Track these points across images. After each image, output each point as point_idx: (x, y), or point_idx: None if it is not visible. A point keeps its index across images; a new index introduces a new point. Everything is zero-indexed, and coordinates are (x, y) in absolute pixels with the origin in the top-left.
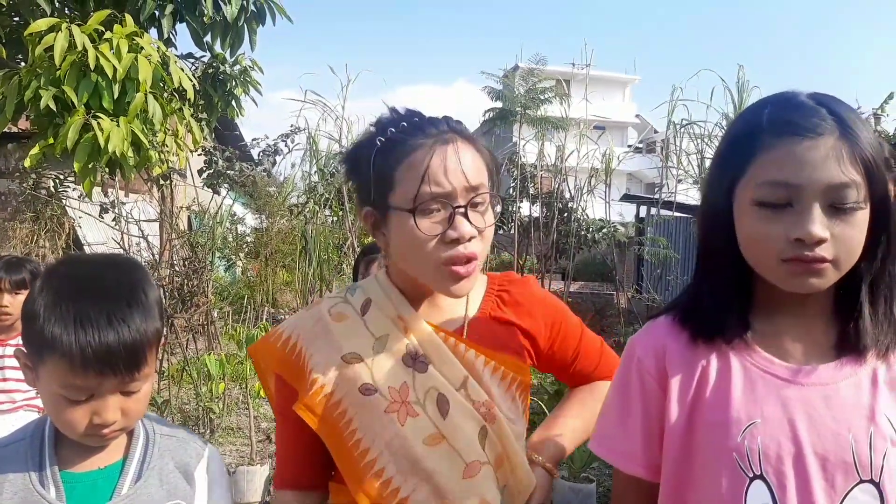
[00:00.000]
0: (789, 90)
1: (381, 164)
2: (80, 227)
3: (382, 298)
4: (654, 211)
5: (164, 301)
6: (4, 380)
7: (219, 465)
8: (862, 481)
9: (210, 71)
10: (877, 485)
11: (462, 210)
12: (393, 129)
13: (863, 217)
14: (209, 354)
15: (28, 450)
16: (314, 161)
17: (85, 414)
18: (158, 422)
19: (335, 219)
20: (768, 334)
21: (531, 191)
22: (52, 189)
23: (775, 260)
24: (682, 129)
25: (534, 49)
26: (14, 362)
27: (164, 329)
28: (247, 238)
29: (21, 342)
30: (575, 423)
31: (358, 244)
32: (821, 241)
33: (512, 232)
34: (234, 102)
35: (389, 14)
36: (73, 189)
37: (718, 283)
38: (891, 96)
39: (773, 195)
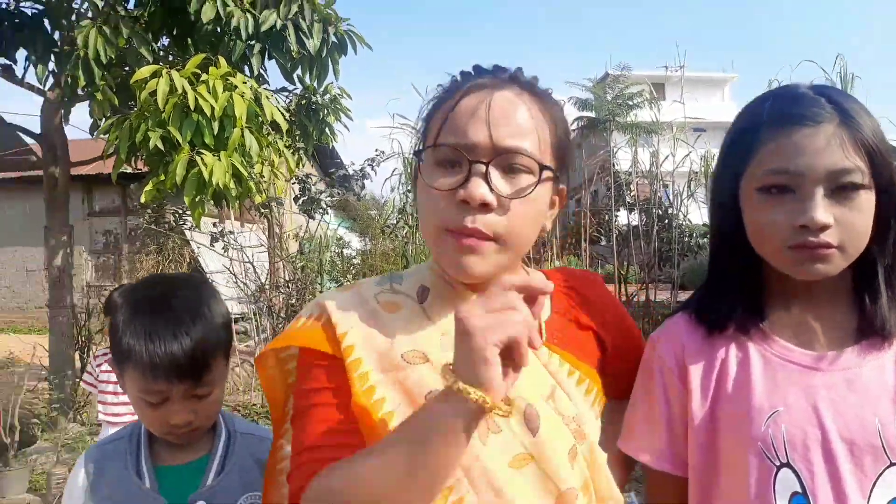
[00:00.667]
0: (792, 83)
1: (426, 115)
2: (201, 255)
3: (441, 286)
4: None
5: (230, 315)
6: (126, 393)
7: None
8: (892, 464)
9: (303, 102)
10: None
11: (482, 168)
12: (457, 78)
13: (868, 201)
14: None
15: (127, 447)
16: (407, 182)
17: (162, 415)
18: (239, 421)
19: None
20: (786, 323)
21: (627, 199)
22: (171, 222)
23: (781, 247)
24: None
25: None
26: None
27: (232, 339)
28: (353, 260)
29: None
30: None
31: None
32: (825, 227)
33: (610, 242)
34: (327, 130)
35: (472, 31)
36: (189, 222)
37: (728, 275)
38: None
39: (774, 182)
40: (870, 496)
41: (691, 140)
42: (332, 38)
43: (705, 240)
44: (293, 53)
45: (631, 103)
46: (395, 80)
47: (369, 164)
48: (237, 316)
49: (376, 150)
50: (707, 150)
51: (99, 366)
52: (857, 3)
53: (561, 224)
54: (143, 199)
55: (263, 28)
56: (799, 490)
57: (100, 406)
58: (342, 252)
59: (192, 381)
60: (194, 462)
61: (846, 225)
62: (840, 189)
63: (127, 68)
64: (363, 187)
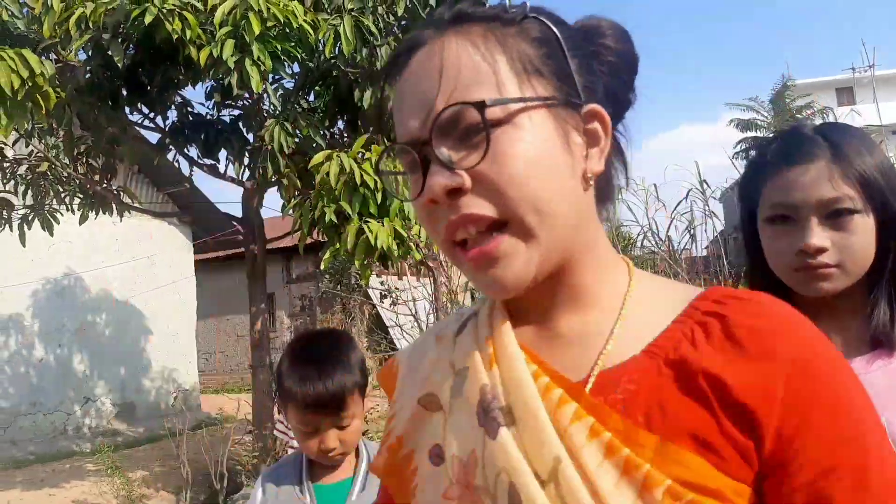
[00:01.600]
0: (798, 124)
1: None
2: (380, 309)
3: (484, 313)
4: None
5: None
6: None
7: None
8: None
9: None
10: None
11: (430, 151)
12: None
13: (863, 224)
14: None
15: (292, 470)
16: None
17: (315, 443)
18: (377, 446)
19: None
20: None
21: None
22: (353, 283)
23: (789, 270)
24: None
25: (803, 64)
26: None
27: (367, 380)
28: None
29: None
30: None
31: None
32: (820, 250)
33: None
34: None
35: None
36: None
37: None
38: None
39: (777, 213)
40: None
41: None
42: None
43: None
44: None
45: (799, 116)
46: None
47: None
48: None
49: None
50: None
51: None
52: None
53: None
54: (322, 266)
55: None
56: None
57: (290, 450)
58: None
59: (335, 415)
60: (342, 482)
61: (842, 247)
62: (834, 215)
63: (305, 156)
64: None
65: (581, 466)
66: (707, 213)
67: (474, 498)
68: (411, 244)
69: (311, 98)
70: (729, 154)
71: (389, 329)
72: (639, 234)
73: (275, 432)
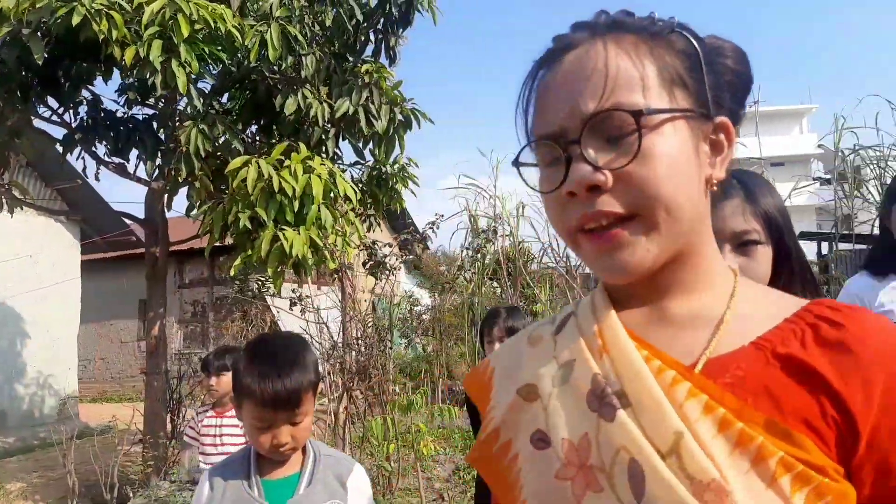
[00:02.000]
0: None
1: (520, 105)
2: (280, 319)
3: (586, 309)
4: (842, 246)
5: (318, 364)
6: (223, 444)
7: (364, 478)
8: None
9: (374, 173)
10: None
11: (577, 150)
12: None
13: (764, 253)
14: (375, 418)
15: (240, 465)
16: (474, 238)
17: (267, 438)
18: (323, 446)
19: (499, 289)
20: None
21: None
22: (255, 290)
23: None
24: (853, 156)
25: None
26: (231, 430)
27: (319, 380)
28: (423, 316)
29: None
30: None
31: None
32: None
33: None
34: (395, 196)
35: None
36: (272, 289)
37: None
38: None
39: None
40: None
41: (771, 175)
42: (399, 117)
43: None
44: (364, 134)
45: None
46: (465, 141)
47: (430, 227)
48: None
49: (436, 214)
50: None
51: (200, 421)
52: None
53: None
54: (231, 273)
55: (338, 114)
56: None
57: (200, 457)
58: (412, 309)
59: (290, 412)
60: (289, 477)
61: (746, 271)
62: (743, 245)
63: (220, 159)
64: (425, 248)
65: (697, 439)
66: None
67: (589, 477)
68: (326, 253)
69: (225, 100)
70: None
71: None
72: (540, 251)
73: (185, 438)
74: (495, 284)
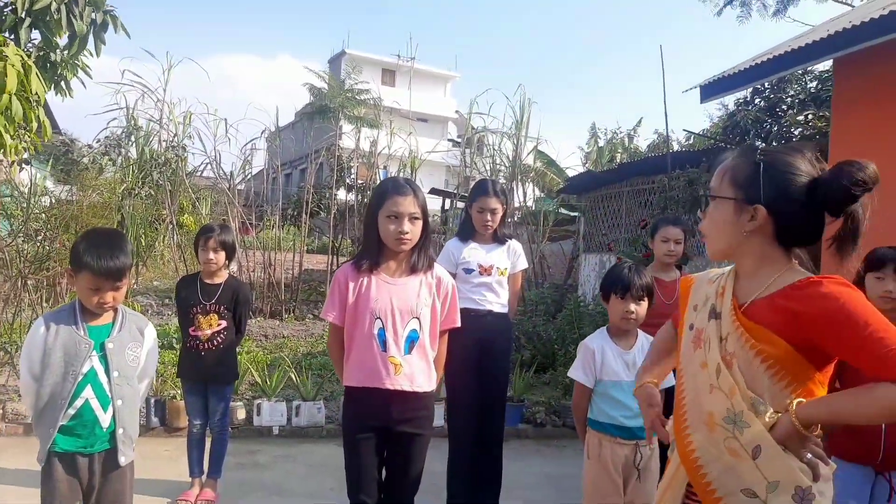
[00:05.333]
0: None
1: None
2: None
3: (727, 271)
4: (460, 204)
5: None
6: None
7: (153, 331)
8: None
9: (41, 54)
10: None
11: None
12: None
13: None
14: None
15: (68, 315)
16: (134, 139)
17: (97, 298)
18: (127, 308)
19: (153, 196)
20: None
21: (348, 180)
22: None
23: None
24: (478, 134)
25: (361, 38)
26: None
27: (132, 261)
28: (49, 208)
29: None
30: (843, 398)
31: (176, 222)
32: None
33: (328, 216)
34: (63, 84)
35: None
36: None
37: None
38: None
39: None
40: None
41: (417, 128)
42: (99, 20)
43: None
44: (60, 32)
45: (360, 98)
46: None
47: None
48: None
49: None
50: (416, 142)
51: None
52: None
53: (284, 195)
54: None
55: (37, 6)
56: None
57: None
58: (29, 198)
59: (116, 281)
60: (106, 325)
61: None
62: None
63: None
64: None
65: (731, 336)
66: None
67: (699, 343)
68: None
69: None
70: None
71: None
72: (202, 164)
73: None
74: (150, 190)
